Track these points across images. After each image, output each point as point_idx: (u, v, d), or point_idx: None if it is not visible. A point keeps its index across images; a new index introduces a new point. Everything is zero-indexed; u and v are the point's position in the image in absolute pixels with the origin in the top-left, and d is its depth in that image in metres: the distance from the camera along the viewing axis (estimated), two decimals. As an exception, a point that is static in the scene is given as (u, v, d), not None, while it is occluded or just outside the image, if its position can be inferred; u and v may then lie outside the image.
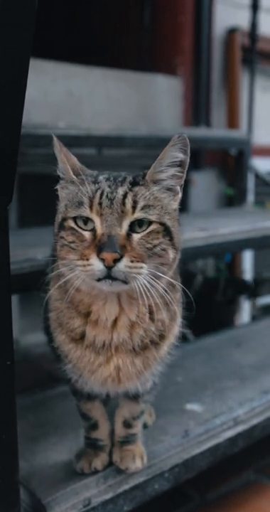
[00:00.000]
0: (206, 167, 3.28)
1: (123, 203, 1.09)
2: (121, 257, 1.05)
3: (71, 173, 1.16)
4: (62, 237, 1.11)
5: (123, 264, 1.05)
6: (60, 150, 1.16)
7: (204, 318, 2.82)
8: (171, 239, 1.14)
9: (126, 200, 1.09)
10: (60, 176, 1.19)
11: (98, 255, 1.04)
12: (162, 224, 1.12)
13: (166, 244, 1.13)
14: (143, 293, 1.09)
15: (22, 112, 1.08)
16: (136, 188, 1.12)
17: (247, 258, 3.32)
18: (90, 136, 2.34)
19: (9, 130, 1.08)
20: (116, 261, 1.04)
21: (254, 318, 3.32)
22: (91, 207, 1.08)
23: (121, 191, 1.10)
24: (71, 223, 1.10)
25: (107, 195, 1.09)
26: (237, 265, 3.33)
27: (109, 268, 1.04)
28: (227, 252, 3.04)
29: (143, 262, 1.09)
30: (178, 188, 1.20)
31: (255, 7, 3.14)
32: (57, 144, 1.16)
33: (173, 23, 3.26)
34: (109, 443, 1.48)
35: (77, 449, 1.50)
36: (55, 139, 1.15)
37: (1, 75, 1.02)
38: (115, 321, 1.20)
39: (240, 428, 1.69)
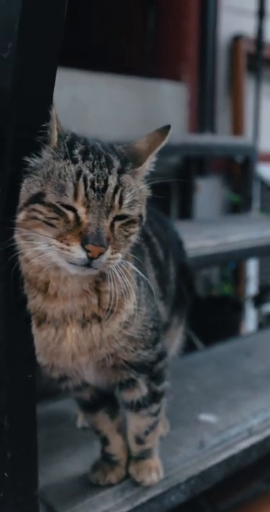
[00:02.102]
0: (211, 173, 3.27)
1: (113, 198, 1.05)
2: (106, 250, 1.03)
3: (56, 132, 1.07)
4: (35, 210, 1.03)
5: (106, 257, 1.03)
6: (54, 119, 1.07)
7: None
8: (141, 226, 1.14)
9: (116, 196, 1.05)
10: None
11: (83, 245, 1.00)
12: (140, 215, 1.12)
13: (137, 232, 1.13)
14: (110, 277, 1.10)
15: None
16: (123, 179, 1.08)
17: (252, 265, 3.31)
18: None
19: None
20: (100, 254, 1.02)
21: (260, 325, 3.31)
22: (75, 196, 1.02)
23: (112, 183, 1.05)
24: (52, 201, 1.02)
25: (93, 185, 1.03)
26: (242, 272, 3.32)
27: (91, 259, 1.01)
28: (236, 260, 3.04)
29: (119, 251, 1.08)
30: None
31: (261, 14, 3.14)
32: (54, 114, 1.07)
33: (178, 30, 3.26)
34: (124, 457, 1.45)
35: (92, 461, 1.49)
36: (53, 110, 1.07)
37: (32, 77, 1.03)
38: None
39: (254, 439, 1.68)
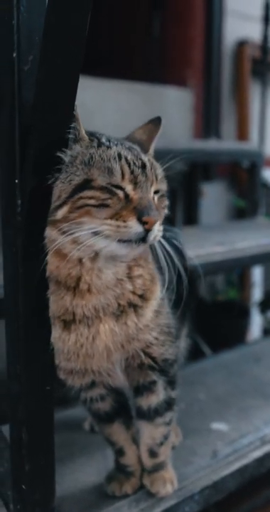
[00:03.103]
0: (216, 178, 3.27)
1: (152, 174, 1.12)
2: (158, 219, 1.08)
3: (83, 130, 1.13)
4: (82, 198, 1.05)
5: (157, 228, 1.08)
6: (79, 119, 1.12)
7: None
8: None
9: (152, 171, 1.13)
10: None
11: (140, 219, 1.05)
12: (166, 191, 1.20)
13: (167, 205, 1.20)
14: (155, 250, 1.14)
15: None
16: (149, 158, 1.16)
17: (257, 270, 3.31)
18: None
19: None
20: (155, 224, 1.07)
21: (266, 331, 3.31)
22: (123, 175, 1.08)
23: (147, 161, 1.13)
24: (103, 183, 1.06)
25: (135, 164, 1.10)
26: (247, 278, 3.32)
27: (147, 231, 1.05)
28: (244, 267, 3.03)
29: (161, 223, 1.13)
30: None
31: (267, 19, 3.14)
32: (78, 114, 1.11)
33: (183, 35, 3.26)
34: (139, 467, 1.44)
35: (106, 471, 1.48)
36: (77, 111, 1.10)
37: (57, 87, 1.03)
38: None
39: (267, 448, 1.67)
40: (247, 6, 3.38)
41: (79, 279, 1.13)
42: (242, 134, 3.39)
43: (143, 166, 1.11)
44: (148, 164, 1.12)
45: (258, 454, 1.64)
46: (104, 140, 1.12)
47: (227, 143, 3.28)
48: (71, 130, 1.09)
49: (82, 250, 1.07)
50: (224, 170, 3.34)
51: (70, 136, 1.09)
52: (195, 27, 3.24)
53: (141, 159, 1.11)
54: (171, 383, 1.35)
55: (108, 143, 1.12)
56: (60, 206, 1.07)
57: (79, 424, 1.75)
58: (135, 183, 1.09)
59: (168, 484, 1.42)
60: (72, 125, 1.09)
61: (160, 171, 1.16)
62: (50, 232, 1.09)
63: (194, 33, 3.24)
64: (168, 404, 1.35)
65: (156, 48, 3.41)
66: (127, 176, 1.08)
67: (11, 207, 1.12)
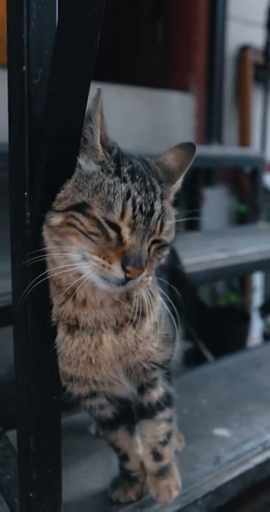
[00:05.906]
0: (218, 184, 3.29)
1: (157, 224, 1.06)
2: (143, 272, 1.04)
3: (98, 139, 1.06)
4: (74, 218, 1.02)
5: (140, 279, 1.04)
6: (99, 106, 1.06)
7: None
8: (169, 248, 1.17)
9: (159, 222, 1.06)
10: (83, 142, 1.08)
11: (123, 265, 1.01)
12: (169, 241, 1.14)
13: (167, 254, 1.15)
14: (137, 296, 1.10)
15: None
16: (165, 205, 1.08)
17: (258, 275, 3.33)
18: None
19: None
20: (138, 275, 1.03)
21: (266, 336, 3.32)
22: (122, 216, 1.02)
23: (158, 209, 1.05)
24: (97, 216, 1.01)
25: (141, 208, 1.03)
26: (248, 282, 3.34)
27: (128, 279, 1.02)
28: (247, 273, 3.05)
29: (151, 273, 1.09)
30: None
31: (269, 25, 3.15)
32: (101, 97, 1.06)
33: (186, 40, 3.28)
34: (143, 472, 1.45)
35: (110, 477, 1.49)
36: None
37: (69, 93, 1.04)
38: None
39: (268, 454, 1.67)
40: (250, 11, 3.40)
41: (74, 289, 1.10)
42: (244, 139, 3.41)
43: (150, 214, 1.04)
44: (156, 213, 1.05)
45: (259, 459, 1.65)
46: (124, 170, 1.05)
47: (229, 149, 3.30)
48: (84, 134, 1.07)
49: (70, 267, 1.04)
50: (226, 175, 3.36)
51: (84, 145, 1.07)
52: (198, 32, 3.26)
53: (152, 205, 1.04)
54: (168, 375, 1.34)
55: (127, 175, 1.05)
56: (57, 212, 1.04)
57: (84, 429, 1.76)
58: (133, 228, 1.03)
59: (173, 490, 1.42)
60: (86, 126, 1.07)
61: (170, 222, 1.09)
62: (46, 236, 1.07)
63: (197, 38, 3.26)
64: (168, 398, 1.35)
65: (159, 53, 3.43)
66: (127, 218, 1.02)
67: (19, 219, 1.13)
